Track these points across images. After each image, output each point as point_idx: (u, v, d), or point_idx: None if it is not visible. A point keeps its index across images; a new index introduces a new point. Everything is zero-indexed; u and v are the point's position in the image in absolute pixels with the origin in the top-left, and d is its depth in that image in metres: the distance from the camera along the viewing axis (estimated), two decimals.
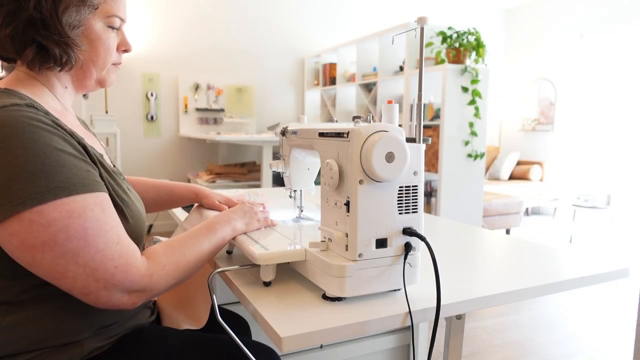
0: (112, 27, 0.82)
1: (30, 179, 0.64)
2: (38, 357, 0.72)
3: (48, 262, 0.65)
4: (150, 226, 4.53)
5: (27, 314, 0.71)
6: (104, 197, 0.71)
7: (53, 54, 0.75)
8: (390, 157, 0.70)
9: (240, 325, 1.11)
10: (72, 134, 0.72)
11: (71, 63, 0.78)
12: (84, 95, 3.77)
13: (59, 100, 0.81)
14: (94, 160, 0.75)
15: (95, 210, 0.68)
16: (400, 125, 0.80)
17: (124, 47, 0.86)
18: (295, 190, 1.11)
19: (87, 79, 0.83)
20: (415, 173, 0.76)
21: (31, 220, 0.64)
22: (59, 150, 0.68)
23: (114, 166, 0.88)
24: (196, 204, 1.17)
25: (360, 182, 0.72)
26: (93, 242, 0.66)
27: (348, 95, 4.64)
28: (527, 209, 5.99)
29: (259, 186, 3.94)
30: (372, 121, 0.78)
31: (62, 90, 0.82)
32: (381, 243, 0.74)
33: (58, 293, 0.71)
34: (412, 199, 0.76)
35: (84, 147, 0.74)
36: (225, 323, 0.75)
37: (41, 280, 0.69)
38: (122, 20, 0.84)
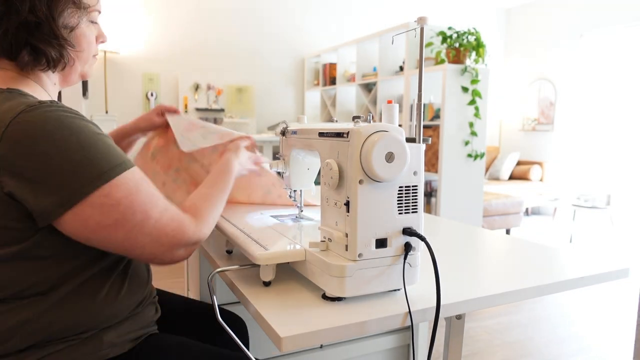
0: (93, 22, 0.84)
1: (92, 162, 0.68)
2: (58, 352, 0.73)
3: (121, 237, 0.71)
4: None
5: (52, 303, 0.72)
6: (142, 173, 0.76)
7: (48, 55, 0.76)
8: (390, 157, 0.70)
9: (238, 325, 1.11)
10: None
11: (64, 63, 0.80)
12: (84, 95, 3.77)
13: (50, 95, 0.82)
14: None
15: (144, 185, 0.74)
16: (400, 125, 0.80)
17: (101, 39, 0.88)
18: (295, 190, 1.11)
19: (72, 74, 0.84)
20: (415, 173, 0.76)
21: (102, 203, 0.68)
22: (100, 134, 0.72)
23: None
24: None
25: (360, 182, 0.72)
26: (152, 212, 0.73)
27: (348, 95, 4.64)
28: (527, 209, 5.99)
29: None
30: (372, 121, 0.78)
31: (51, 86, 0.83)
32: (381, 243, 0.74)
33: (78, 281, 0.74)
34: (412, 199, 0.76)
35: None
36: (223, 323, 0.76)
37: (70, 267, 0.72)
38: (100, 12, 0.86)
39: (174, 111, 1.24)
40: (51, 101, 0.72)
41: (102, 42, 0.89)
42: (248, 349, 1.11)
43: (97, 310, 0.76)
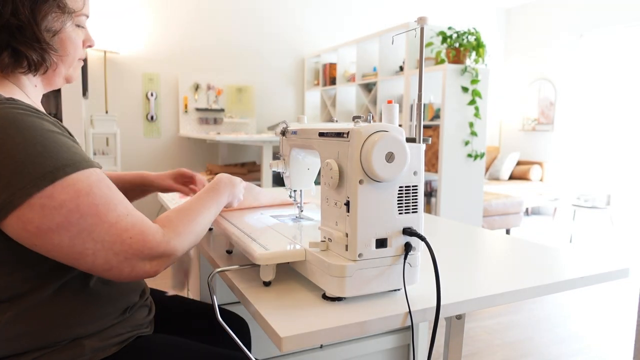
0: (80, 26, 0.83)
1: (37, 161, 0.65)
2: (39, 358, 0.72)
3: (66, 243, 0.66)
4: None
5: (18, 311, 0.70)
6: (103, 173, 0.73)
7: (29, 59, 0.75)
8: (390, 157, 0.70)
9: (240, 326, 1.11)
10: (56, 121, 0.74)
11: (46, 66, 0.79)
12: (84, 95, 3.77)
13: (30, 98, 0.81)
14: None
15: (100, 187, 0.69)
16: (400, 125, 0.80)
17: (88, 43, 0.87)
18: (295, 190, 1.11)
19: (56, 77, 0.83)
20: (415, 173, 0.76)
21: (43, 204, 0.64)
22: (53, 132, 0.69)
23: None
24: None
25: (360, 182, 0.72)
26: (105, 217, 0.68)
27: (348, 95, 4.64)
28: (527, 209, 5.99)
29: (259, 186, 3.93)
30: (372, 121, 0.78)
31: (32, 88, 0.82)
32: (381, 243, 0.74)
33: (51, 287, 0.71)
34: (412, 199, 0.76)
35: (69, 133, 0.75)
36: (226, 323, 0.75)
37: (34, 274, 0.69)
38: (88, 17, 0.85)
39: (191, 177, 1.23)
40: (7, 99, 0.70)
41: (90, 46, 0.88)
42: (250, 349, 1.12)
43: (72, 322, 0.74)
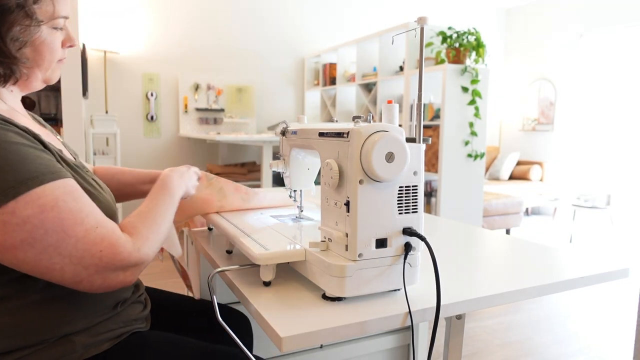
0: (58, 28, 0.80)
1: None
2: (27, 357, 0.71)
3: (32, 259, 0.65)
4: None
5: (5, 310, 0.70)
6: (72, 184, 0.70)
7: None
8: (390, 157, 0.70)
9: (243, 324, 1.11)
10: (26, 130, 0.71)
11: (15, 78, 0.77)
12: (84, 95, 3.77)
13: (5, 102, 0.79)
14: (54, 155, 0.74)
15: (67, 200, 0.67)
16: (400, 125, 0.80)
17: (69, 43, 0.84)
18: (295, 190, 1.11)
19: (32, 82, 0.81)
20: (415, 173, 0.76)
21: (5, 221, 0.63)
22: (17, 143, 0.67)
23: (76, 159, 0.87)
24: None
25: (360, 182, 0.72)
26: (72, 231, 0.66)
27: (348, 95, 4.64)
28: (527, 209, 5.99)
29: (259, 186, 3.94)
30: (372, 121, 0.78)
31: (7, 93, 0.80)
32: (381, 243, 0.74)
33: (36, 287, 0.71)
34: (412, 199, 0.76)
35: (41, 142, 0.73)
36: (228, 321, 0.75)
37: (18, 274, 0.69)
38: (66, 17, 0.81)
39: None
40: None
41: (71, 46, 0.85)
42: (252, 347, 1.12)
43: (60, 320, 0.74)
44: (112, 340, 0.80)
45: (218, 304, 0.80)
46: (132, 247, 0.72)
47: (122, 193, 1.13)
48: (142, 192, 1.13)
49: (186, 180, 0.99)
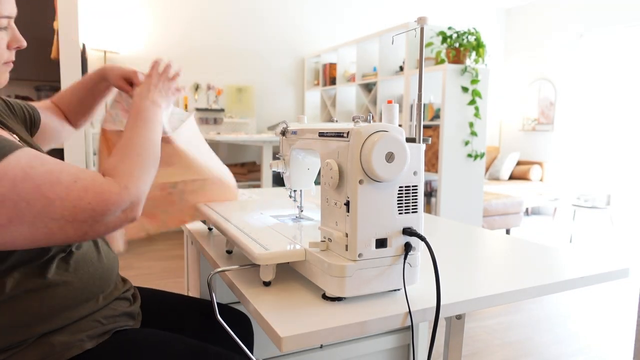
0: (1, 28, 0.76)
1: None
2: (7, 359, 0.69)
3: (27, 232, 0.64)
4: None
5: None
6: (32, 151, 0.68)
7: None
8: (390, 157, 0.70)
9: (244, 323, 1.11)
10: None
11: None
12: None
13: None
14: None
15: (35, 166, 0.65)
16: (400, 125, 0.80)
17: (16, 45, 0.80)
18: (295, 190, 1.11)
19: None
20: (415, 173, 0.75)
21: None
22: None
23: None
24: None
25: (360, 182, 0.72)
26: (53, 194, 0.65)
27: (348, 95, 4.64)
28: (527, 209, 5.99)
29: (259, 186, 3.95)
30: (372, 121, 0.78)
31: None
32: (381, 243, 0.74)
33: (4, 289, 0.69)
34: (412, 199, 0.76)
35: None
36: (228, 321, 0.75)
37: None
38: (10, 17, 0.77)
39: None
40: None
41: (19, 47, 0.81)
42: (253, 347, 1.11)
43: (33, 320, 0.71)
44: (96, 339, 0.77)
45: (218, 303, 0.79)
46: (118, 188, 0.70)
47: (79, 105, 1.09)
48: (93, 94, 1.09)
49: (160, 86, 0.97)
